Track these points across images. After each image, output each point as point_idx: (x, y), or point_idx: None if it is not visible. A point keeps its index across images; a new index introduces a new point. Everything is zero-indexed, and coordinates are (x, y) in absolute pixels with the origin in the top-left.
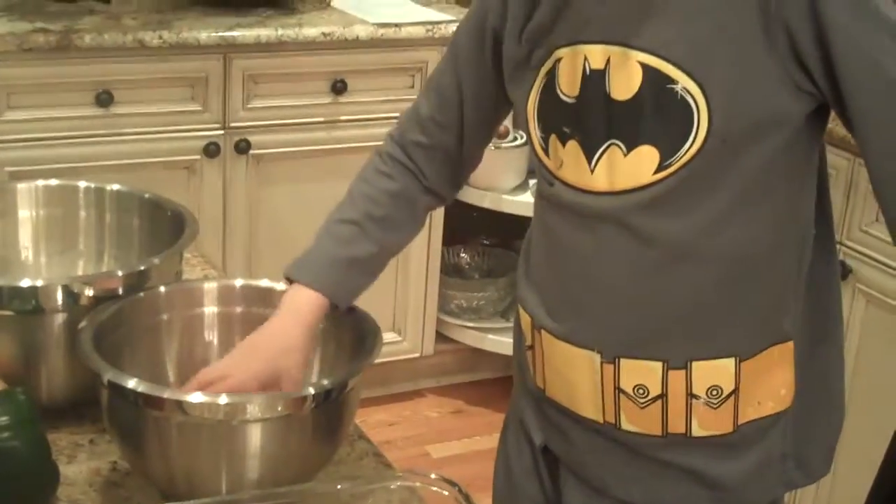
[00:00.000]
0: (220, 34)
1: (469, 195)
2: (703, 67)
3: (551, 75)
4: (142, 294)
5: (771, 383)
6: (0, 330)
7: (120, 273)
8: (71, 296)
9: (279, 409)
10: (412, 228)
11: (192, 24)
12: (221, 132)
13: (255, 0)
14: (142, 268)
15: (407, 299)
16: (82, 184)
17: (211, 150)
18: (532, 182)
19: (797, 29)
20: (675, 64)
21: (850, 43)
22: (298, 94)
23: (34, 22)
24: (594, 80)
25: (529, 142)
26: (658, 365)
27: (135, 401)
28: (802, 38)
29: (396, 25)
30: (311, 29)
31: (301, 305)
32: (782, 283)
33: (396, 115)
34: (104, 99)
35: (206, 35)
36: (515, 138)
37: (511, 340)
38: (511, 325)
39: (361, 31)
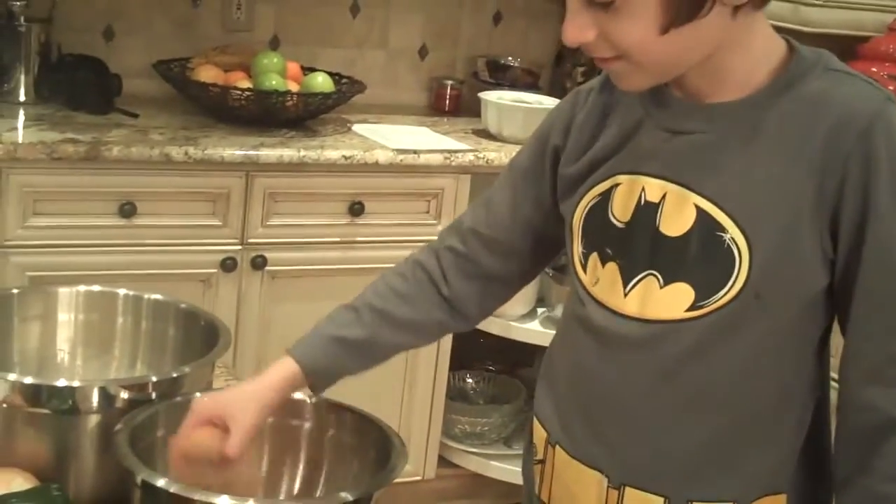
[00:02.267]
0: (244, 152)
1: None
2: (753, 225)
3: (605, 197)
4: (178, 399)
5: None
6: (36, 427)
7: (155, 378)
8: (106, 397)
9: None
10: (412, 334)
11: (217, 142)
12: (239, 247)
13: (279, 121)
14: (175, 375)
15: (411, 422)
16: (122, 291)
17: (227, 265)
18: (541, 311)
19: (846, 202)
20: (729, 215)
21: (883, 230)
22: (317, 213)
23: (65, 132)
24: (647, 211)
25: (569, 256)
26: (660, 500)
27: (166, 501)
28: (847, 211)
29: (415, 152)
30: (332, 151)
31: (274, 368)
32: (784, 439)
33: (411, 238)
34: (127, 210)
35: (229, 152)
36: None
37: (514, 468)
38: (514, 452)
39: (381, 156)
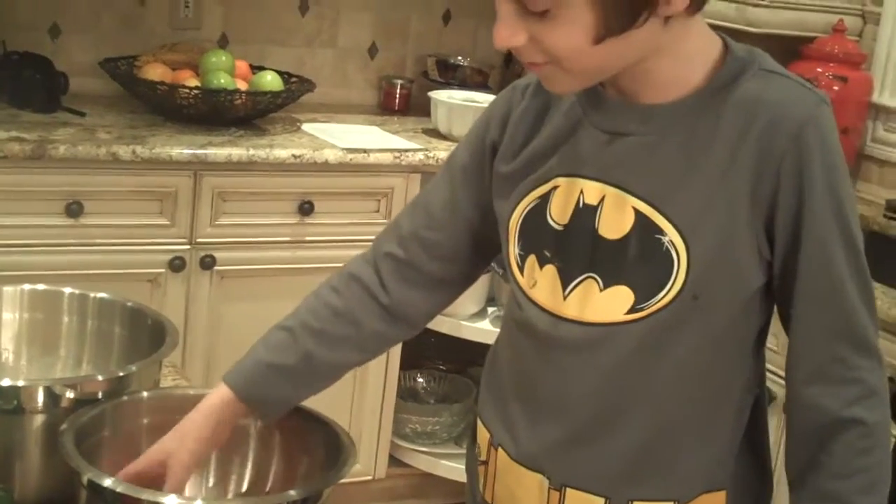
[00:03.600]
0: (192, 151)
1: None
2: (691, 227)
3: (544, 199)
4: (124, 398)
5: None
6: None
7: (100, 377)
8: (52, 397)
9: None
10: (353, 351)
11: (165, 141)
12: (188, 247)
13: (227, 120)
14: (121, 374)
15: (361, 421)
16: (67, 290)
17: (176, 265)
18: (491, 310)
19: (781, 205)
20: (667, 217)
21: (817, 232)
22: (266, 213)
23: (10, 131)
24: (585, 214)
25: (504, 257)
26: (601, 501)
27: (113, 502)
28: (782, 214)
29: (365, 151)
30: (281, 151)
31: (213, 398)
32: (722, 436)
33: (361, 237)
34: (74, 209)
35: (178, 151)
36: None
37: (463, 467)
38: (464, 451)
39: (331, 155)
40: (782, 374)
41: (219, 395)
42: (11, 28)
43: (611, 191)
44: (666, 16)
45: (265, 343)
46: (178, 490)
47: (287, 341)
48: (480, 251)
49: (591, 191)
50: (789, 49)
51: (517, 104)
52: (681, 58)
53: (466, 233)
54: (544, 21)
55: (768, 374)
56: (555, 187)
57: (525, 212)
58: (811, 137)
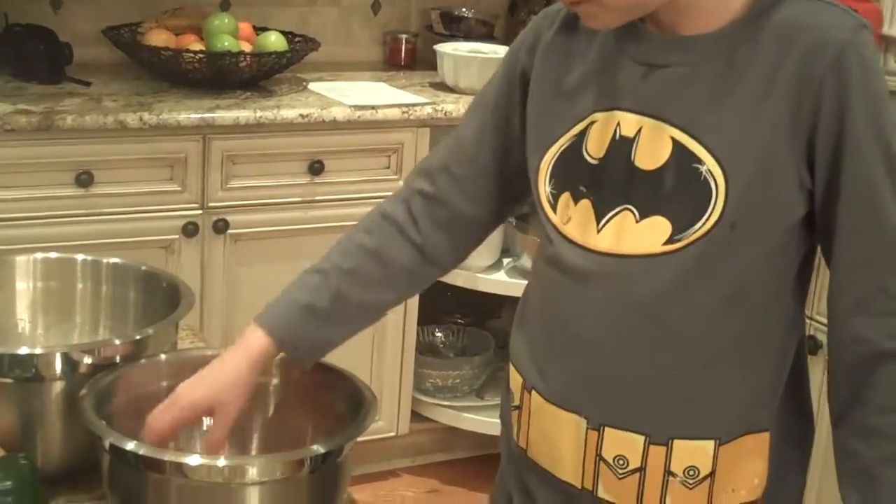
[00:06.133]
0: (200, 115)
1: None
2: (730, 156)
3: (580, 136)
4: (143, 361)
5: (746, 471)
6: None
7: (117, 342)
8: (70, 363)
9: (278, 473)
10: (386, 290)
11: (171, 106)
12: (200, 212)
13: (233, 83)
14: (138, 337)
15: (382, 378)
16: (80, 257)
17: (189, 230)
18: (506, 261)
19: (821, 131)
20: (705, 146)
21: (859, 159)
22: (276, 174)
23: (16, 104)
24: (621, 146)
25: (535, 197)
26: (640, 438)
27: (136, 464)
28: (822, 139)
29: (373, 107)
30: (289, 111)
31: (251, 345)
32: (763, 376)
33: (373, 195)
34: (84, 179)
35: (185, 116)
36: None
37: (487, 419)
38: (486, 403)
39: (339, 113)
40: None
41: (258, 340)
42: (13, 0)
43: (648, 122)
44: None
45: (299, 285)
46: (223, 443)
47: (320, 283)
48: (504, 191)
49: (629, 123)
50: None
51: (546, 31)
52: None
53: (493, 168)
54: None
55: (815, 323)
56: (592, 122)
57: (560, 151)
58: (852, 61)
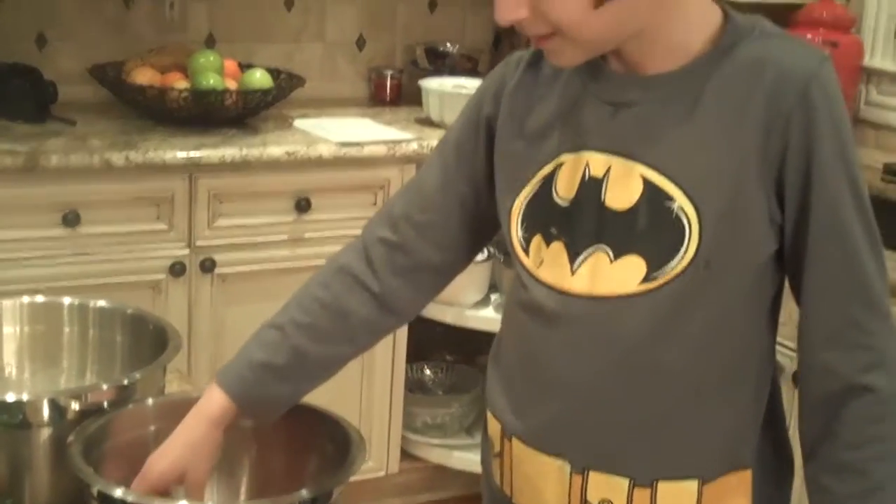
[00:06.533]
0: (186, 154)
1: (431, 310)
2: (701, 192)
3: (549, 179)
4: (130, 406)
5: None
6: None
7: (105, 386)
8: (57, 409)
9: None
10: (344, 344)
11: (157, 145)
12: (187, 251)
13: (219, 120)
14: (126, 382)
15: (371, 416)
16: (66, 300)
17: (176, 270)
18: (494, 297)
19: (790, 164)
20: (676, 183)
21: (827, 192)
22: (263, 212)
23: (1, 144)
24: (591, 187)
25: (508, 240)
26: (625, 481)
27: None
28: (791, 174)
29: (359, 144)
30: (275, 148)
31: (212, 405)
32: (742, 411)
33: (360, 231)
34: (71, 219)
35: (171, 155)
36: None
37: (477, 457)
38: (476, 441)
39: (325, 150)
40: (791, 345)
41: (217, 400)
42: None
43: (617, 161)
44: None
45: (256, 342)
46: (202, 497)
47: (277, 339)
48: (471, 235)
49: (597, 163)
50: (779, 16)
51: (510, 77)
52: (682, 24)
53: (459, 214)
54: None
55: (780, 347)
56: (560, 164)
57: (530, 195)
58: (817, 94)
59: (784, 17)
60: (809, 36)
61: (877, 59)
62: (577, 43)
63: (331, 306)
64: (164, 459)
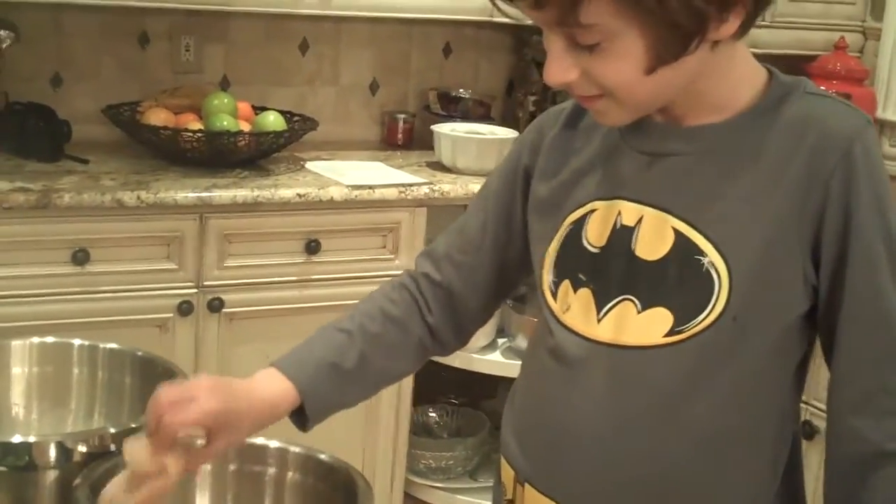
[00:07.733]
0: (197, 194)
1: None
2: (733, 248)
3: (580, 223)
4: None
5: None
6: None
7: (112, 430)
8: (64, 452)
9: None
10: (402, 359)
11: (169, 185)
12: (195, 290)
13: (231, 162)
14: (133, 425)
15: (375, 459)
16: (76, 341)
17: (184, 309)
18: (501, 341)
19: (828, 224)
20: (708, 238)
21: (865, 253)
22: (272, 253)
23: (14, 181)
24: (622, 235)
25: (538, 284)
26: None
27: None
28: (828, 235)
29: (370, 187)
30: (286, 190)
31: (272, 389)
32: (762, 468)
33: (369, 274)
34: (80, 257)
35: (182, 195)
36: None
37: (480, 501)
38: (480, 484)
39: (336, 193)
40: (824, 406)
41: (281, 387)
42: (14, 79)
43: (650, 211)
44: (714, 40)
45: (323, 342)
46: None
47: (347, 342)
48: (502, 279)
49: (629, 212)
50: (792, 68)
51: (549, 129)
52: (728, 81)
53: (493, 257)
54: (595, 54)
55: (811, 408)
56: (592, 210)
57: (562, 239)
58: (859, 155)
59: (797, 68)
60: (823, 88)
61: (889, 111)
62: (625, 105)
63: (397, 321)
64: (214, 401)
